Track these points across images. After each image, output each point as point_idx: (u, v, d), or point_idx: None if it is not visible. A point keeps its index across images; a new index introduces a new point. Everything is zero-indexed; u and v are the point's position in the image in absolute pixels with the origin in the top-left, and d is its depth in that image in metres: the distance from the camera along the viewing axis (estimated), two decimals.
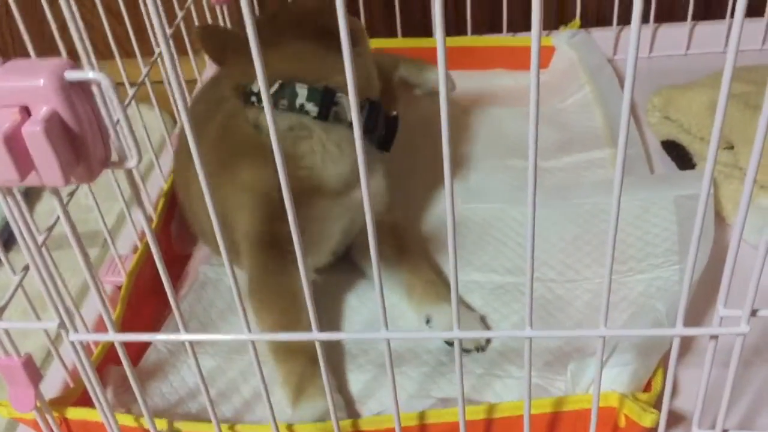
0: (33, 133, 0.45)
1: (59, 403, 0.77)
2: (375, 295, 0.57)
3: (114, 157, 0.51)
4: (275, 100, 0.87)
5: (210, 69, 1.39)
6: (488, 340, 0.87)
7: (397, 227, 0.98)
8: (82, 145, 0.48)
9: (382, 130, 0.93)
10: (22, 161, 0.47)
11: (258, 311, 0.87)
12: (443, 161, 0.50)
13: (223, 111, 0.94)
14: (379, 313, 0.58)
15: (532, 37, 0.45)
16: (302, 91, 0.87)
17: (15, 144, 0.46)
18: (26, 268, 0.74)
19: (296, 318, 0.83)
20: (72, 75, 0.46)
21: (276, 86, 0.87)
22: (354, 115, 0.48)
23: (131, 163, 0.51)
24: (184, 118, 0.51)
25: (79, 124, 0.48)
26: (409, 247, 0.97)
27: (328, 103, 0.87)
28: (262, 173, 0.86)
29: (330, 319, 0.94)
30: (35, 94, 0.46)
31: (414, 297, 0.92)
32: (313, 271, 0.92)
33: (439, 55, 0.46)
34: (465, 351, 0.85)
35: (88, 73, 0.47)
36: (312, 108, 0.87)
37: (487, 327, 0.89)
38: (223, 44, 0.96)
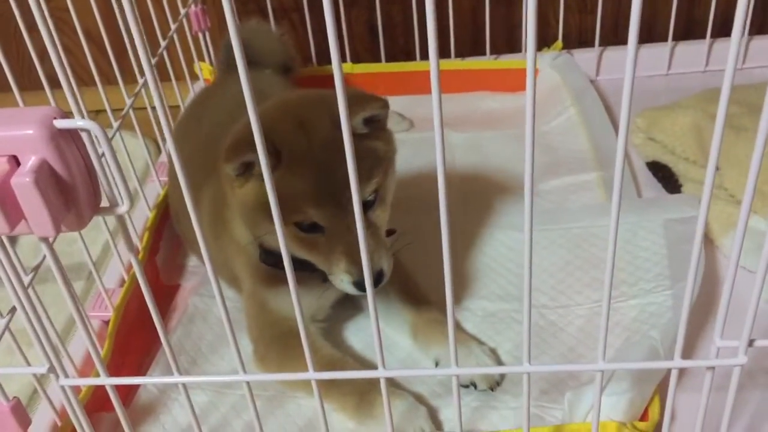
0: (23, 184, 0.44)
1: None
2: (372, 331, 0.56)
3: (104, 202, 0.50)
4: None
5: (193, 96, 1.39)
6: (502, 376, 0.86)
7: (400, 267, 0.97)
8: (72, 193, 0.47)
9: None
10: (11, 211, 0.46)
11: (256, 342, 0.87)
12: (438, 187, 0.49)
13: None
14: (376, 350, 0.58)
15: (528, 60, 0.44)
16: None
17: (4, 195, 0.45)
18: (12, 310, 0.73)
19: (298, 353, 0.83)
20: (61, 123, 0.46)
21: None
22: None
23: (122, 208, 0.50)
24: (170, 145, 0.50)
25: (69, 171, 0.47)
26: (413, 287, 0.96)
27: None
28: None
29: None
30: (24, 143, 0.45)
31: (419, 337, 0.91)
32: (312, 321, 0.92)
33: (433, 79, 0.45)
34: (480, 391, 0.84)
35: (78, 122, 0.46)
36: None
37: (499, 360, 0.88)
38: None
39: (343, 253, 0.78)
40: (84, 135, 0.48)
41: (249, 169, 0.78)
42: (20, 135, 0.45)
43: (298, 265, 0.81)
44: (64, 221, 0.48)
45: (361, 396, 0.81)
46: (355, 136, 0.78)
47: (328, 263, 0.80)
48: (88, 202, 0.49)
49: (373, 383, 0.80)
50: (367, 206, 0.81)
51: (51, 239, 0.56)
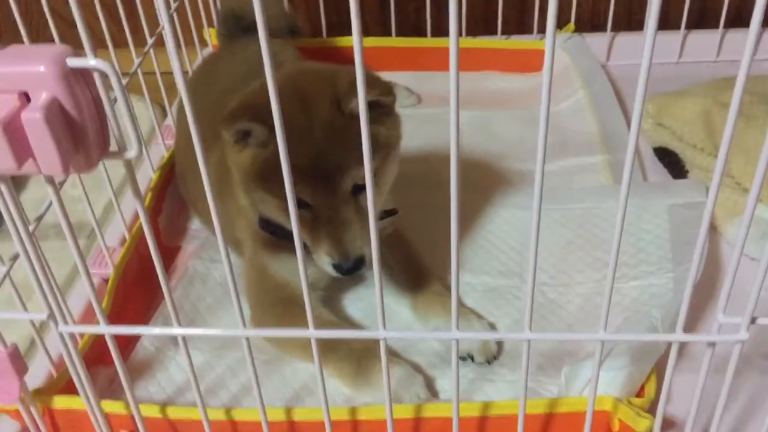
0: (33, 120, 0.44)
1: (43, 393, 0.76)
2: (374, 295, 0.56)
3: (113, 146, 0.50)
4: None
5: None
6: (499, 350, 0.86)
7: (402, 238, 0.97)
8: (81, 134, 0.47)
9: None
10: (20, 149, 0.46)
11: (254, 307, 0.87)
12: (451, 161, 0.49)
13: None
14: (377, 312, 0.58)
15: (546, 43, 0.44)
16: None
17: (13, 131, 0.45)
18: (14, 258, 0.73)
19: (294, 314, 0.83)
20: (74, 62, 0.45)
21: None
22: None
23: (131, 153, 0.50)
24: (185, 99, 0.50)
25: (79, 111, 0.46)
26: (415, 258, 0.96)
27: None
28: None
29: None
30: (36, 80, 0.45)
31: (419, 309, 0.91)
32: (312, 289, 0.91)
33: (452, 57, 0.45)
34: (478, 363, 0.84)
35: (91, 61, 0.46)
36: None
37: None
38: None
39: (326, 235, 0.78)
40: (96, 78, 0.48)
41: (246, 136, 0.78)
42: (32, 71, 0.45)
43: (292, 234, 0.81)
44: (72, 162, 0.48)
45: (359, 362, 0.81)
46: (355, 118, 0.77)
47: (312, 241, 0.80)
48: (97, 144, 0.48)
49: (371, 350, 0.80)
50: (359, 190, 0.79)
51: (57, 182, 0.56)
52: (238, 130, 0.77)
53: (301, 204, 0.78)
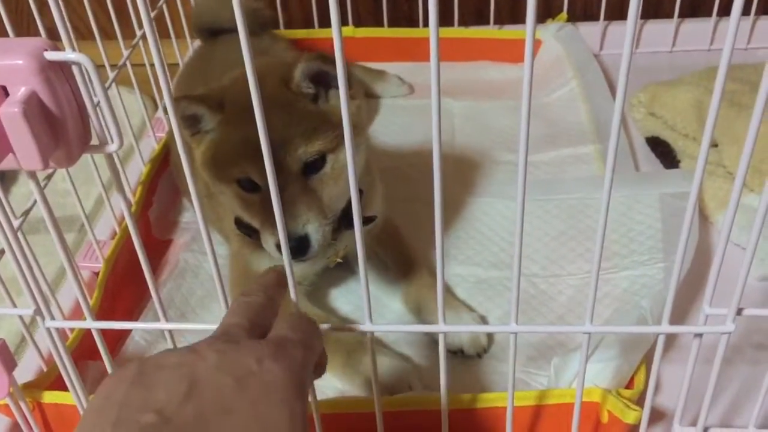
0: (11, 115, 0.44)
1: (33, 387, 0.75)
2: (360, 287, 0.56)
3: (94, 140, 0.50)
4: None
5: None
6: (490, 343, 0.86)
7: (393, 230, 0.97)
8: (61, 128, 0.47)
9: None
10: None
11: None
12: (433, 154, 0.48)
13: None
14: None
15: (527, 34, 0.44)
16: None
17: None
18: (0, 253, 0.73)
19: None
20: (52, 55, 0.45)
21: None
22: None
23: (112, 147, 0.49)
24: (166, 98, 0.49)
25: (59, 105, 0.46)
26: (406, 250, 0.95)
27: None
28: None
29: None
30: (13, 74, 0.44)
31: (410, 302, 0.91)
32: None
33: (432, 47, 0.44)
34: (468, 357, 0.84)
35: (69, 54, 0.45)
36: None
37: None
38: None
39: (271, 215, 0.75)
40: (76, 72, 0.47)
41: (196, 123, 0.78)
42: (10, 65, 0.44)
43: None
44: (52, 156, 0.47)
45: (348, 354, 0.81)
46: (301, 94, 0.76)
47: (260, 225, 0.78)
48: (78, 138, 0.48)
49: (361, 342, 0.80)
50: (308, 170, 0.77)
51: (41, 180, 0.56)
52: (184, 114, 0.77)
53: (253, 188, 0.78)
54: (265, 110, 0.65)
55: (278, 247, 0.74)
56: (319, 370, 0.56)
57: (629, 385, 0.75)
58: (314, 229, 0.76)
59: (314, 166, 0.77)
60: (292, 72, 0.76)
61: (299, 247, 0.75)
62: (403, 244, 0.97)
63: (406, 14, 1.51)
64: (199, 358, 0.46)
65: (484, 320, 0.89)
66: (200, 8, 1.25)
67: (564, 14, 1.43)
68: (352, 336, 0.81)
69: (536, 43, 1.39)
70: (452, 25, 1.43)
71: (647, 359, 0.76)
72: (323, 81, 0.77)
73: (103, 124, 0.49)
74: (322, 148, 0.76)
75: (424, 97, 1.32)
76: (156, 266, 1.02)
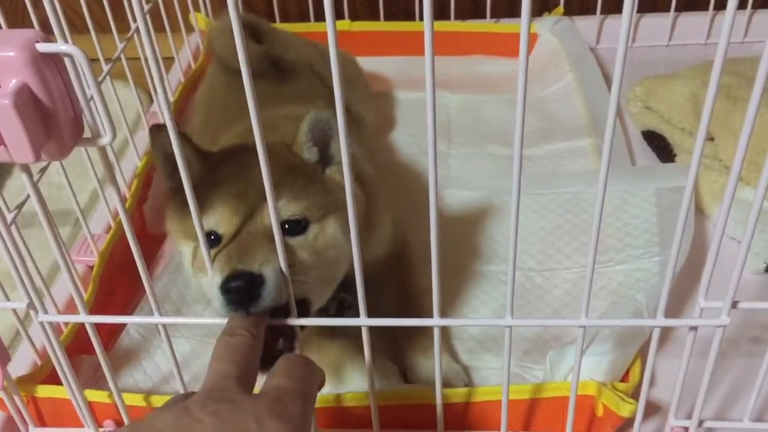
0: (1, 106, 0.43)
1: (27, 381, 0.75)
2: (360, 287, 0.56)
3: (87, 133, 0.49)
4: None
5: (187, 48, 1.37)
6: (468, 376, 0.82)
7: (402, 259, 0.91)
8: (53, 120, 0.46)
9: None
10: None
11: None
12: (428, 151, 0.48)
13: None
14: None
15: (522, 27, 0.44)
16: None
17: None
18: None
19: None
20: (44, 47, 0.45)
21: None
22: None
23: (105, 140, 0.49)
24: (161, 97, 0.49)
25: (51, 98, 0.46)
26: (409, 292, 0.88)
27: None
28: None
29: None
30: (5, 65, 0.44)
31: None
32: None
33: (427, 42, 0.44)
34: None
35: (61, 46, 0.45)
36: None
37: (469, 379, 0.81)
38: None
39: (224, 253, 0.64)
40: (69, 65, 0.47)
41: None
42: (1, 57, 0.44)
43: None
44: (44, 149, 0.47)
45: (335, 369, 0.78)
46: (300, 155, 0.71)
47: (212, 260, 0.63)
48: (70, 130, 0.48)
49: (346, 351, 0.78)
50: (288, 231, 0.68)
51: (35, 173, 0.55)
52: (166, 152, 0.71)
53: (213, 239, 0.68)
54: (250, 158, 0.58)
55: (222, 288, 0.61)
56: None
57: (624, 379, 0.75)
58: (270, 271, 0.62)
59: (294, 228, 0.69)
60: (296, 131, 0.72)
61: (247, 289, 0.60)
62: (407, 284, 0.89)
63: (403, 8, 1.50)
64: (194, 422, 0.45)
65: (466, 371, 0.83)
66: (220, 52, 1.17)
67: (561, 8, 1.43)
68: (334, 351, 0.79)
69: (532, 37, 1.41)
70: (449, 18, 1.43)
71: (642, 353, 0.76)
72: (326, 148, 0.73)
73: (96, 116, 0.48)
74: (305, 211, 0.69)
75: (420, 91, 1.31)
76: (151, 260, 1.02)
